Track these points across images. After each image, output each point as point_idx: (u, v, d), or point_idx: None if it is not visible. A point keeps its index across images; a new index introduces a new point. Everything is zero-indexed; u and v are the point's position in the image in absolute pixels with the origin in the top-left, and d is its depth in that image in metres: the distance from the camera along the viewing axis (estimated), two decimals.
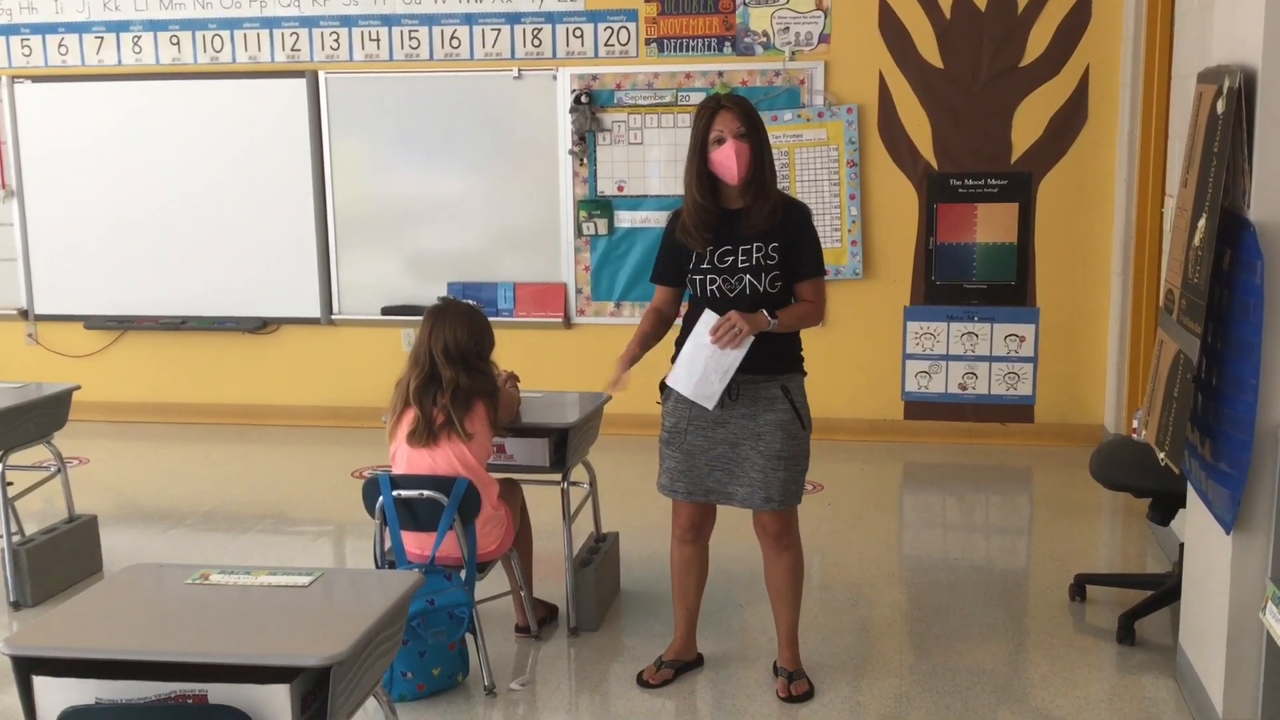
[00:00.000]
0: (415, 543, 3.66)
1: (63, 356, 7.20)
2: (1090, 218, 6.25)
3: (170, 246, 7.00)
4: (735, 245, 3.44)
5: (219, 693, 2.20)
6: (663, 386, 3.57)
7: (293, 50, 6.81)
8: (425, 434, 3.64)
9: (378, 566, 3.71)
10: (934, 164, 6.34)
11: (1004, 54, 6.21)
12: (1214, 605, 3.27)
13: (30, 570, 4.36)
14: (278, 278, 6.94)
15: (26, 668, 2.27)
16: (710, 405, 3.42)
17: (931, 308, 6.44)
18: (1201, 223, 3.13)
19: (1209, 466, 3.20)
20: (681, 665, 3.76)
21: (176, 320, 7.06)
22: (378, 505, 3.64)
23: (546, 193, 6.67)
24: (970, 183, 6.31)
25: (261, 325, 7.03)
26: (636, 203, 6.57)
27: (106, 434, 6.89)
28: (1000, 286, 6.37)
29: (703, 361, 3.40)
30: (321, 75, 6.76)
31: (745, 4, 6.37)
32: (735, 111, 3.41)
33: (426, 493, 3.58)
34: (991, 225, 6.32)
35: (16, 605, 4.36)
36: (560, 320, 6.71)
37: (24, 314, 7.24)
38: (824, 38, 6.34)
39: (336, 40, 6.75)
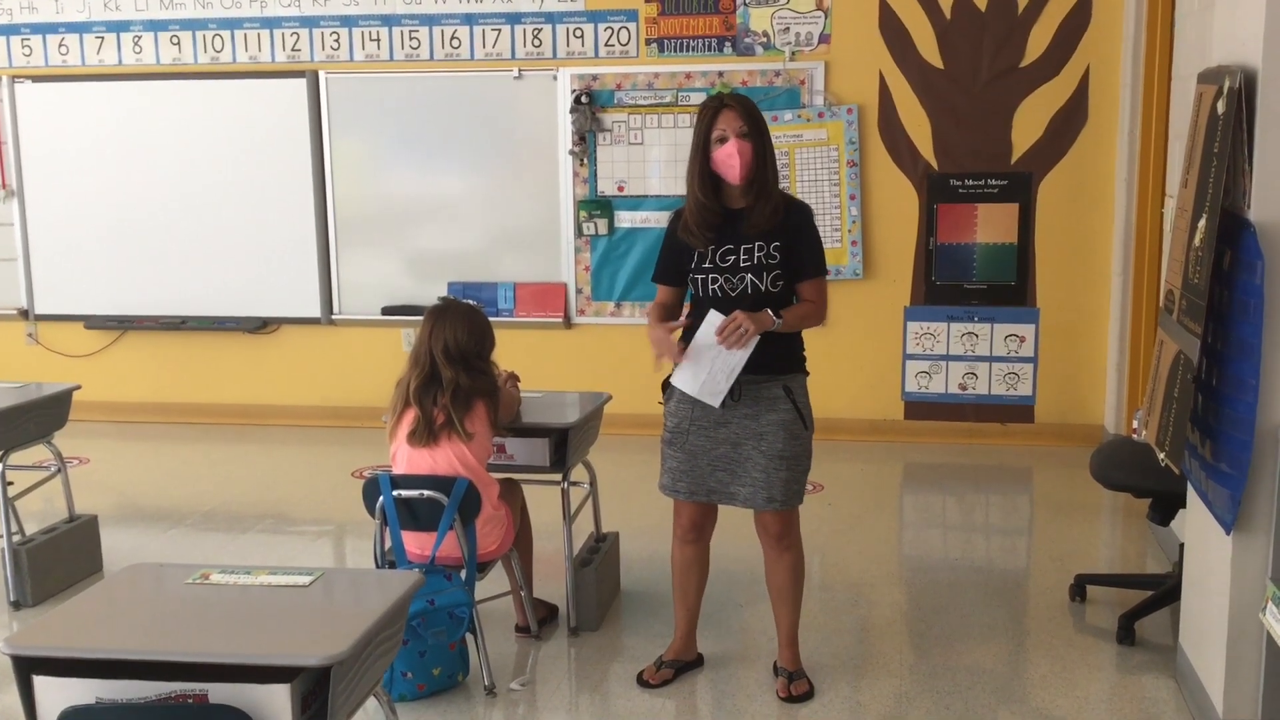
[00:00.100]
0: (415, 543, 3.66)
1: (63, 356, 7.20)
2: (1090, 218, 6.25)
3: (170, 246, 7.00)
4: (737, 244, 3.44)
5: (219, 692, 2.20)
6: (664, 386, 3.58)
7: (293, 50, 6.81)
8: (425, 434, 3.64)
9: (378, 566, 3.71)
10: (934, 164, 6.34)
11: (1004, 54, 6.21)
12: (1214, 605, 3.27)
13: (30, 570, 4.36)
14: (278, 278, 6.94)
15: (27, 667, 2.27)
16: (716, 403, 3.43)
17: (932, 308, 6.44)
18: (1202, 223, 3.13)
19: (1209, 467, 3.20)
20: (682, 665, 3.76)
21: (176, 320, 7.06)
22: (378, 505, 3.64)
23: (547, 193, 6.67)
24: (970, 183, 6.32)
25: (261, 325, 7.03)
26: (637, 203, 6.57)
27: (107, 434, 6.89)
28: (1000, 287, 6.37)
29: (708, 361, 3.40)
30: (322, 75, 6.76)
31: (745, 4, 6.37)
32: (738, 110, 3.41)
33: (427, 493, 3.58)
34: (992, 225, 6.33)
35: (17, 605, 4.36)
36: (560, 320, 6.71)
37: (24, 314, 7.24)
38: (824, 38, 6.34)
39: (337, 40, 6.75)
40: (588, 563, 4.12)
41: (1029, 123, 6.24)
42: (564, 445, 3.99)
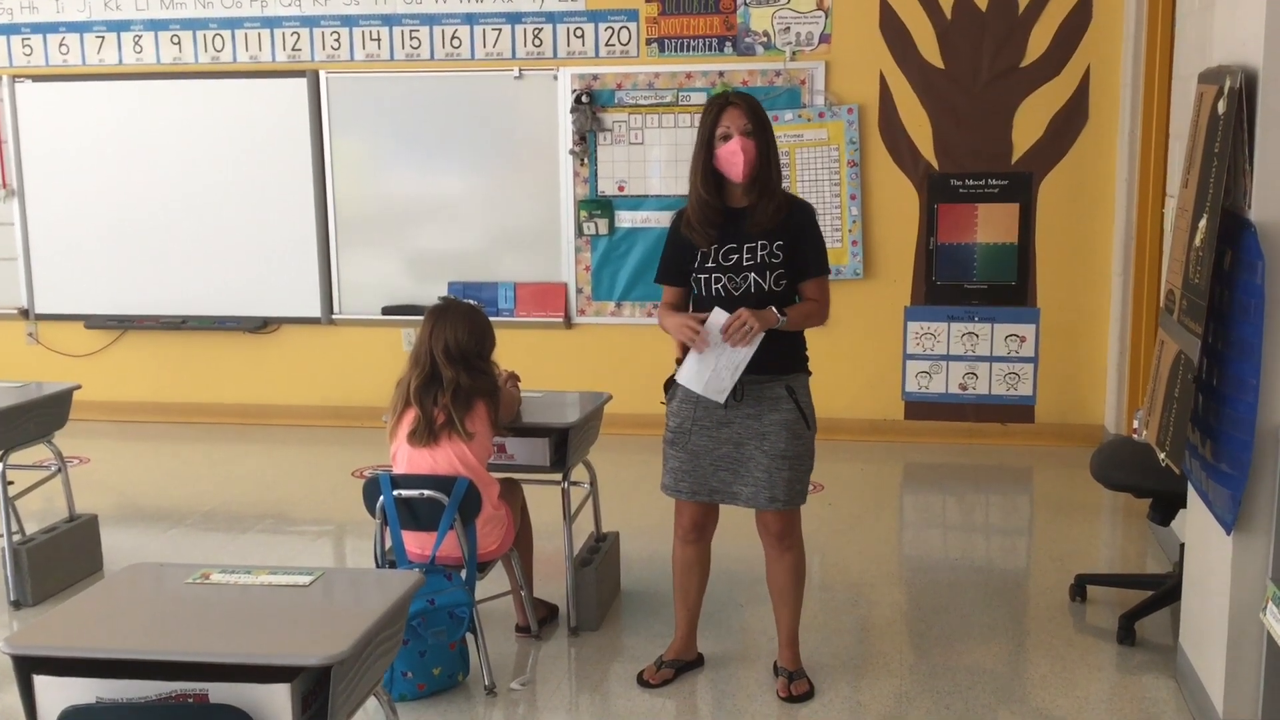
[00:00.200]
0: (416, 542, 3.66)
1: (63, 356, 7.20)
2: (1091, 218, 6.25)
3: (170, 246, 7.00)
4: (740, 243, 3.44)
5: (219, 692, 2.20)
6: (667, 386, 3.57)
7: (293, 50, 6.81)
8: (426, 433, 3.64)
9: (378, 566, 3.71)
10: (935, 164, 6.34)
11: (1005, 54, 6.21)
12: (1214, 605, 3.27)
13: (31, 570, 4.36)
14: (278, 277, 6.94)
15: (27, 667, 2.27)
16: (721, 400, 3.43)
17: (932, 308, 6.44)
18: (1202, 223, 3.13)
19: (1209, 467, 3.20)
20: (682, 665, 3.76)
21: (177, 320, 7.06)
22: (378, 505, 3.64)
23: (547, 193, 6.67)
24: (971, 183, 6.31)
25: (262, 325, 7.03)
26: (637, 203, 6.57)
27: (107, 433, 6.89)
28: (1001, 287, 6.37)
29: (713, 359, 3.40)
30: (322, 75, 6.76)
31: (746, 4, 6.37)
32: (743, 108, 3.41)
33: (427, 492, 3.58)
34: (992, 225, 6.33)
35: (17, 605, 4.36)
36: (561, 320, 6.71)
37: (24, 313, 7.24)
38: (825, 38, 6.34)
39: (337, 40, 6.75)
40: (588, 562, 4.12)
41: (1029, 123, 6.24)
42: (564, 445, 3.99)
